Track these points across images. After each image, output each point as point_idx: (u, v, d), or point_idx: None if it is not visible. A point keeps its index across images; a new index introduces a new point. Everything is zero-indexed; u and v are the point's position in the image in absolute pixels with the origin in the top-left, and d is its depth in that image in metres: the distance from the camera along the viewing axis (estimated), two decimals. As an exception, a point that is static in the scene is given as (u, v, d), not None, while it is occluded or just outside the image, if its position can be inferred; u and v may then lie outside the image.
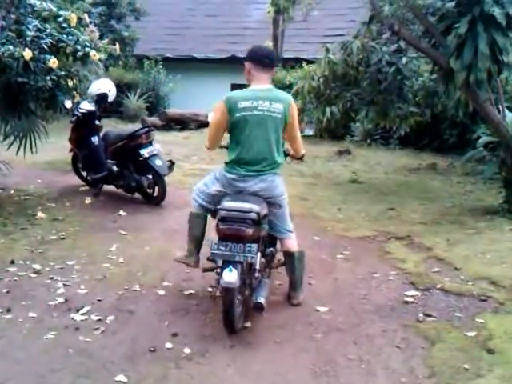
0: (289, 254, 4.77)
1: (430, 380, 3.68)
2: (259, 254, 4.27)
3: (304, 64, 14.13)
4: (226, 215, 4.19)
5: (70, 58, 7.43)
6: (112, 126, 13.58)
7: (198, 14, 22.04)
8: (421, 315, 4.60)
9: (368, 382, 3.69)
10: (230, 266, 4.05)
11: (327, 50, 9.42)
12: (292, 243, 4.78)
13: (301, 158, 5.06)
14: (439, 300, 4.93)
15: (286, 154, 4.96)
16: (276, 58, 4.53)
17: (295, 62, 16.14)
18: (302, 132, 5.34)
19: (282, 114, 4.36)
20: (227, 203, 4.28)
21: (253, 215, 4.14)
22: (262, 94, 4.37)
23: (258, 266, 4.27)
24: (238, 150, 4.45)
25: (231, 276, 4.02)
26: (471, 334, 4.26)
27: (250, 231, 4.12)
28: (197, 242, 4.84)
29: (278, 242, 4.93)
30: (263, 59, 4.44)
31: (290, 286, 4.85)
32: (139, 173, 8.02)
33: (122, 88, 17.41)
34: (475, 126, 9.83)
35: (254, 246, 4.14)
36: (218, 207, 4.28)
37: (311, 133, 14.04)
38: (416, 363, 3.89)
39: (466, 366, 3.81)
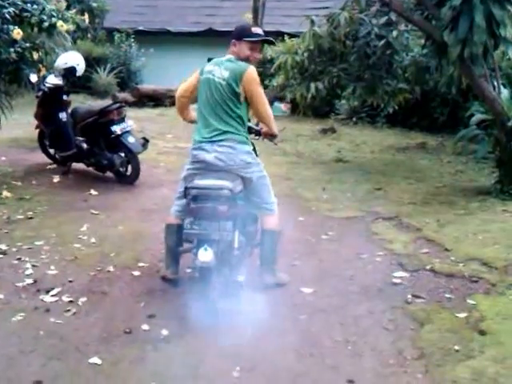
0: (265, 232, 4.81)
1: (419, 361, 3.76)
2: (237, 231, 4.34)
3: (286, 38, 14.14)
4: (198, 193, 4.23)
5: (35, 29, 7.37)
6: (80, 103, 13.45)
7: (172, -17, 21.78)
8: (409, 296, 4.69)
9: (355, 363, 3.76)
10: (205, 245, 4.09)
11: (312, 23, 9.33)
12: (271, 221, 4.80)
13: (273, 137, 5.00)
14: (429, 281, 5.02)
15: (259, 133, 4.98)
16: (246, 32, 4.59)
17: (277, 36, 16.08)
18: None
19: (228, 82, 4.43)
20: (198, 181, 4.33)
21: (225, 192, 4.19)
22: (220, 61, 4.58)
23: (236, 244, 4.34)
24: (197, 116, 4.64)
25: (206, 255, 4.05)
26: (462, 315, 4.36)
27: (223, 208, 4.16)
28: (173, 253, 4.89)
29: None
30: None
31: (260, 264, 4.87)
32: (111, 150, 8.02)
33: (91, 62, 17.23)
34: (468, 104, 9.92)
35: (230, 224, 4.19)
36: (189, 185, 4.33)
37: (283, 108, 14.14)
38: (404, 345, 3.97)
39: (456, 347, 3.90)
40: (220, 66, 4.53)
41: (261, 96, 4.59)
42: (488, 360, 3.75)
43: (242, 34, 4.63)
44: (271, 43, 4.95)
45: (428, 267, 5.27)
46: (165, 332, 4.08)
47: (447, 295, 4.73)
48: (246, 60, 4.56)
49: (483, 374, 3.57)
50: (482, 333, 4.09)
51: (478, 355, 3.82)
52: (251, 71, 4.49)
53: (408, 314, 4.41)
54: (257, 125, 4.96)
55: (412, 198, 7.64)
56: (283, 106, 14.99)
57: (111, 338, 3.99)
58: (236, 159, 4.46)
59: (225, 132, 4.46)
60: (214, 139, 4.45)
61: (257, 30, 4.72)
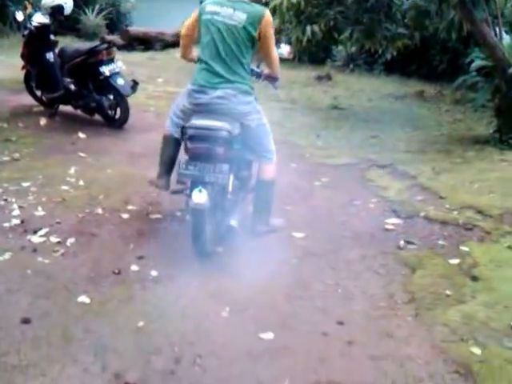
0: (261, 181, 4.81)
1: (410, 305, 3.85)
2: (232, 175, 4.36)
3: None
4: (195, 133, 4.24)
5: (23, -36, 7.26)
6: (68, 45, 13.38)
7: None
8: (402, 242, 4.77)
9: (345, 305, 3.84)
10: (200, 187, 4.10)
11: (309, -39, 9.26)
12: (268, 169, 4.78)
13: (274, 80, 4.94)
14: (422, 228, 5.10)
15: (259, 75, 4.93)
16: None
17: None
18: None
19: (243, 24, 4.33)
20: (196, 121, 4.32)
21: (223, 133, 4.19)
22: (229, 2, 4.40)
23: (230, 188, 4.37)
24: (201, 58, 4.52)
25: (200, 197, 4.07)
26: (455, 261, 4.45)
27: (220, 150, 4.18)
28: (166, 163, 4.88)
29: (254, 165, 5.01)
30: None
31: (253, 214, 4.86)
32: (99, 92, 7.95)
33: (79, 3, 17.05)
34: (468, 51, 9.87)
35: (225, 167, 4.21)
36: (186, 125, 4.33)
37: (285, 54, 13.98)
38: (395, 289, 4.06)
39: (447, 292, 3.99)
40: (232, 8, 4.37)
41: (273, 39, 4.56)
42: (479, 305, 3.85)
43: None
44: None
45: (422, 214, 5.34)
46: (154, 273, 4.14)
47: (440, 242, 4.81)
48: (261, 1, 4.49)
49: (474, 318, 3.67)
50: (475, 279, 4.19)
51: (469, 300, 3.91)
52: (269, 14, 4.43)
53: (400, 259, 4.50)
54: (257, 67, 4.93)
55: (408, 146, 7.69)
56: (286, 52, 14.78)
57: (100, 279, 4.05)
58: (237, 107, 4.42)
59: (231, 81, 4.39)
60: (219, 86, 4.38)
61: None
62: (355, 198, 5.75)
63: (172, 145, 4.81)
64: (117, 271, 4.14)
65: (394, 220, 5.23)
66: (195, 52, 4.85)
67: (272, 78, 4.93)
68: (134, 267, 4.22)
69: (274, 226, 4.89)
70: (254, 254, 4.42)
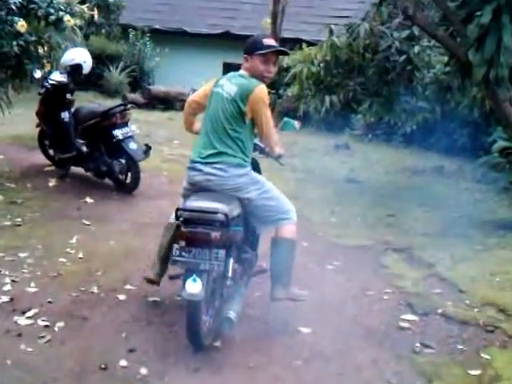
0: (280, 239, 4.43)
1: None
2: (231, 260, 4.04)
3: (304, 46, 13.85)
4: (189, 216, 3.95)
5: (42, 23, 7.13)
6: (90, 101, 13.26)
7: (192, -18, 21.52)
8: (418, 345, 4.33)
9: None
10: (194, 276, 3.79)
11: (331, 32, 9.08)
12: (288, 229, 4.44)
13: (278, 157, 4.67)
14: (440, 328, 4.66)
15: (262, 150, 4.71)
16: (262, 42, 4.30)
17: (295, 43, 15.82)
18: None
19: (233, 97, 4.19)
20: (190, 202, 4.05)
21: (220, 216, 3.87)
22: (232, 75, 4.38)
23: (229, 274, 4.03)
24: (200, 129, 4.44)
25: (195, 287, 3.75)
26: (475, 372, 3.99)
27: (216, 235, 3.85)
28: (161, 252, 4.62)
29: (259, 247, 4.74)
30: None
31: (271, 279, 4.48)
32: (111, 156, 7.74)
33: (104, 60, 17.15)
34: (489, 128, 9.59)
35: (222, 252, 3.88)
36: (180, 207, 4.07)
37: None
38: (409, 404, 3.62)
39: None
40: (231, 81, 4.29)
41: (266, 118, 4.30)
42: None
43: (253, 47, 4.33)
44: (285, 54, 4.72)
45: (440, 311, 4.90)
46: (143, 371, 3.75)
47: (459, 346, 4.36)
48: (261, 77, 4.29)
49: None
50: (496, 395, 3.74)
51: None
52: (260, 90, 4.22)
53: (415, 366, 4.05)
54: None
55: (426, 228, 7.28)
56: (297, 123, 14.64)
57: (84, 374, 3.68)
58: (229, 182, 4.18)
59: (220, 153, 4.18)
60: (208, 160, 4.19)
61: (269, 41, 4.39)
62: (368, 288, 5.33)
63: (171, 231, 4.51)
64: (104, 366, 3.75)
65: (410, 316, 4.79)
66: (197, 125, 4.72)
67: (272, 157, 4.69)
68: (123, 362, 3.82)
69: (295, 295, 4.52)
70: (255, 353, 4.03)
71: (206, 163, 4.18)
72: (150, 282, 4.64)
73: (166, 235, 4.57)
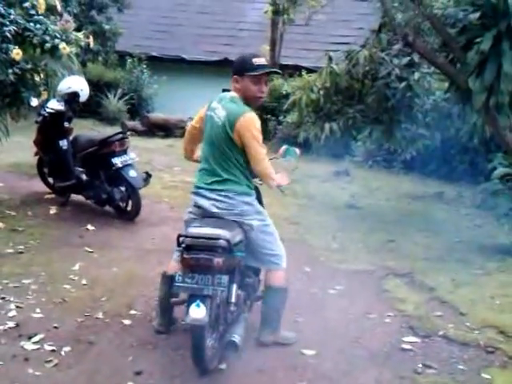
0: (269, 289, 4.59)
1: None
2: (234, 285, 4.16)
3: (304, 73, 14.07)
4: (191, 243, 4.02)
5: (38, 50, 7.23)
6: (89, 129, 13.49)
7: (189, 9, 21.77)
8: (420, 366, 4.46)
9: None
10: (198, 301, 3.89)
11: (330, 59, 9.19)
12: (276, 276, 4.56)
13: (278, 186, 4.64)
14: (441, 349, 4.79)
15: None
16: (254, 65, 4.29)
17: (294, 70, 16.03)
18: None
19: (222, 121, 4.23)
20: (192, 229, 4.14)
21: (222, 242, 3.96)
22: (223, 97, 4.38)
23: (233, 299, 4.14)
24: (201, 156, 4.52)
25: (199, 312, 3.86)
26: (476, 391, 4.12)
27: (219, 261, 3.94)
28: (161, 304, 4.73)
29: (262, 272, 4.84)
30: None
31: (261, 322, 4.63)
32: (111, 184, 7.85)
33: (102, 87, 17.34)
34: (489, 154, 9.73)
35: (225, 278, 3.97)
36: (182, 233, 4.15)
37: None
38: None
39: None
40: (221, 104, 4.32)
41: (254, 148, 4.26)
42: None
43: (243, 68, 4.31)
44: (277, 73, 4.77)
45: (441, 333, 5.04)
46: (151, 393, 3.87)
47: (460, 366, 4.49)
48: (254, 98, 4.33)
49: None
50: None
51: None
52: (247, 118, 4.21)
53: (417, 386, 4.18)
54: None
55: (426, 253, 7.42)
56: (297, 150, 14.72)
57: (91, 397, 3.80)
58: (234, 209, 4.29)
59: (225, 180, 4.28)
60: (213, 187, 4.29)
61: (259, 60, 4.34)
62: (371, 311, 5.47)
63: (167, 284, 4.58)
64: (111, 389, 3.88)
65: (412, 338, 4.92)
66: (198, 153, 4.78)
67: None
68: (130, 384, 3.95)
69: (282, 339, 4.65)
70: (260, 375, 4.15)
71: (212, 190, 4.28)
72: (159, 332, 4.70)
73: (163, 289, 4.67)
